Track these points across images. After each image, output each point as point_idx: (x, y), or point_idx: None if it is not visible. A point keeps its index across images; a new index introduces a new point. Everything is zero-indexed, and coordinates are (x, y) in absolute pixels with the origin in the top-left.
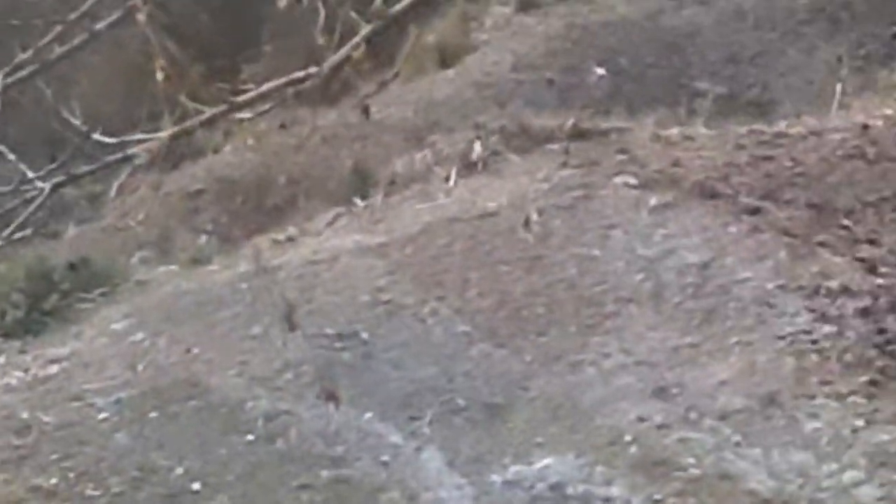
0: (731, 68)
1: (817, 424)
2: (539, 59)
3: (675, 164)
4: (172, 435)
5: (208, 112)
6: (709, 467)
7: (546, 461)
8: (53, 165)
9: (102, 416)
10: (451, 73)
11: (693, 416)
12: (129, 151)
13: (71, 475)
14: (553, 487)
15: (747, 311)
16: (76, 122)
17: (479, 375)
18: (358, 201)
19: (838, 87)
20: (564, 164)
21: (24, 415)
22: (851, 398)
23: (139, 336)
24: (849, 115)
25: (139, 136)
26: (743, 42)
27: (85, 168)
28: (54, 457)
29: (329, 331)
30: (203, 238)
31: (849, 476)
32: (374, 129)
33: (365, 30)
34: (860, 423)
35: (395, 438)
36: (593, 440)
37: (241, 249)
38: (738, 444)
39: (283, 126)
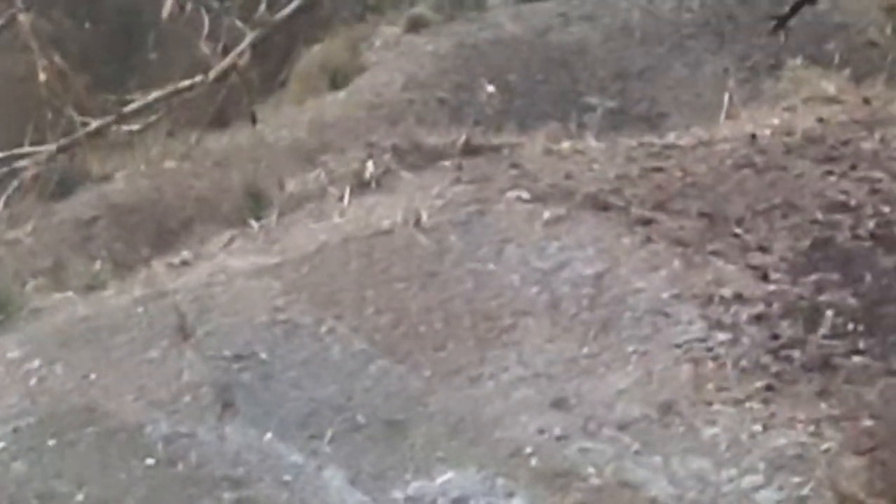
0: (620, 83)
1: (715, 430)
2: (430, 78)
3: (568, 177)
4: (71, 461)
5: (95, 123)
6: (609, 476)
7: (447, 476)
8: None
9: (0, 445)
10: (341, 93)
11: (592, 426)
12: (16, 165)
13: None
14: (455, 502)
15: (643, 320)
16: None
17: (378, 392)
18: (252, 223)
19: (726, 97)
20: (457, 180)
21: None
22: (748, 403)
23: (35, 363)
24: (737, 125)
25: (26, 149)
26: (630, 57)
27: None
28: None
29: (227, 352)
30: (97, 264)
31: (748, 481)
32: (266, 151)
33: (250, 36)
34: (757, 427)
35: (296, 458)
36: (494, 453)
37: (136, 274)
38: (637, 452)
39: (169, 134)
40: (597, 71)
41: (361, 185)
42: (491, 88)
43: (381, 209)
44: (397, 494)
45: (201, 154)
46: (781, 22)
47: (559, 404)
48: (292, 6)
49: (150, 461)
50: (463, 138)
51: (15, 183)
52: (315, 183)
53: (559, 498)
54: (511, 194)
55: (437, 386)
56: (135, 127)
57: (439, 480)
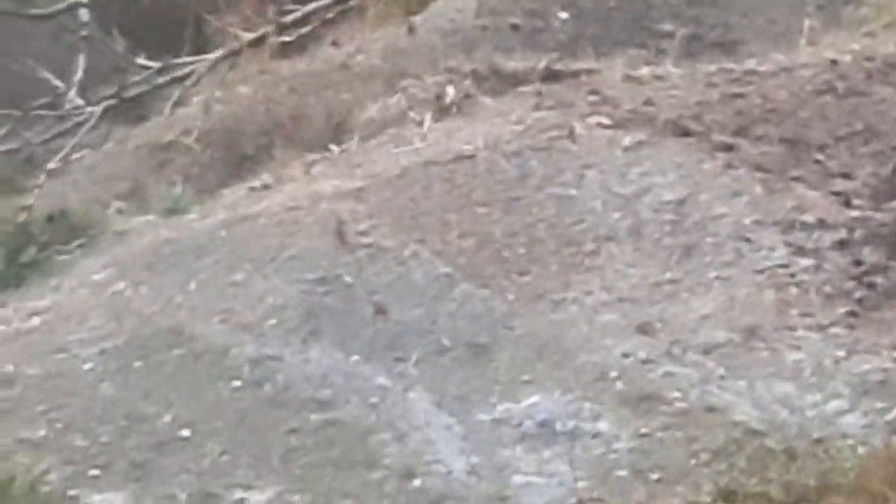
0: (695, 9)
1: (799, 356)
2: (502, 5)
3: (647, 103)
4: (158, 383)
5: (254, 34)
6: (694, 401)
7: (533, 398)
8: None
9: (87, 366)
10: (416, 20)
11: (676, 350)
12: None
13: (58, 426)
14: (541, 424)
15: (725, 246)
16: (118, 47)
17: (462, 316)
18: (334, 148)
19: (806, 23)
20: (537, 106)
21: (9, 368)
22: (832, 329)
23: (120, 286)
24: (816, 51)
25: (186, 59)
26: None
27: (135, 90)
28: (41, 408)
29: (311, 276)
30: (178, 188)
31: (833, 406)
32: (343, 76)
33: None
34: (841, 353)
35: (382, 380)
36: (579, 377)
37: (217, 199)
38: (721, 377)
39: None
40: None
41: (441, 111)
42: (564, 15)
43: (461, 134)
44: (483, 416)
45: (275, 79)
46: None
47: (643, 329)
48: None
49: (236, 383)
50: (542, 64)
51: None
52: (395, 108)
53: (645, 421)
54: (591, 120)
55: (521, 310)
56: (289, 38)
57: (525, 403)
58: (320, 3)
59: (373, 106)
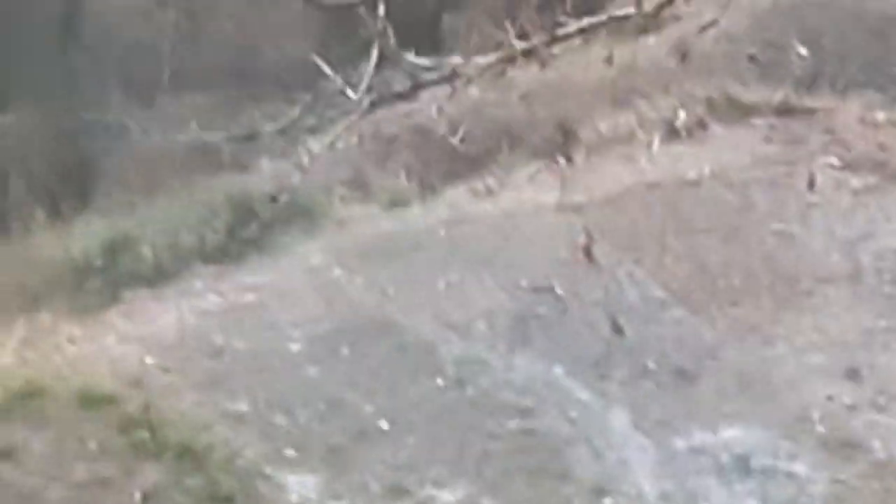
0: None
1: None
2: (741, 33)
3: (881, 148)
4: (363, 372)
5: (528, 43)
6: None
7: (732, 431)
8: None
9: (295, 347)
10: (651, 38)
11: (882, 399)
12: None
13: (260, 403)
14: (737, 458)
15: None
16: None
17: (671, 340)
18: (560, 158)
19: None
20: (769, 139)
21: (219, 340)
22: None
23: (336, 273)
24: None
25: (454, 58)
26: None
27: (399, 88)
28: (245, 384)
29: (525, 283)
30: (402, 180)
31: None
32: (574, 89)
33: None
34: None
35: (583, 395)
36: (781, 415)
37: (439, 196)
38: None
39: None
40: None
41: (671, 133)
42: (803, 50)
43: (688, 159)
44: (680, 443)
45: (509, 85)
46: None
47: (851, 374)
48: None
49: (439, 381)
50: (778, 98)
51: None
52: (624, 126)
53: (842, 467)
54: (822, 159)
55: (729, 341)
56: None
57: (723, 435)
58: (596, 19)
59: (602, 121)
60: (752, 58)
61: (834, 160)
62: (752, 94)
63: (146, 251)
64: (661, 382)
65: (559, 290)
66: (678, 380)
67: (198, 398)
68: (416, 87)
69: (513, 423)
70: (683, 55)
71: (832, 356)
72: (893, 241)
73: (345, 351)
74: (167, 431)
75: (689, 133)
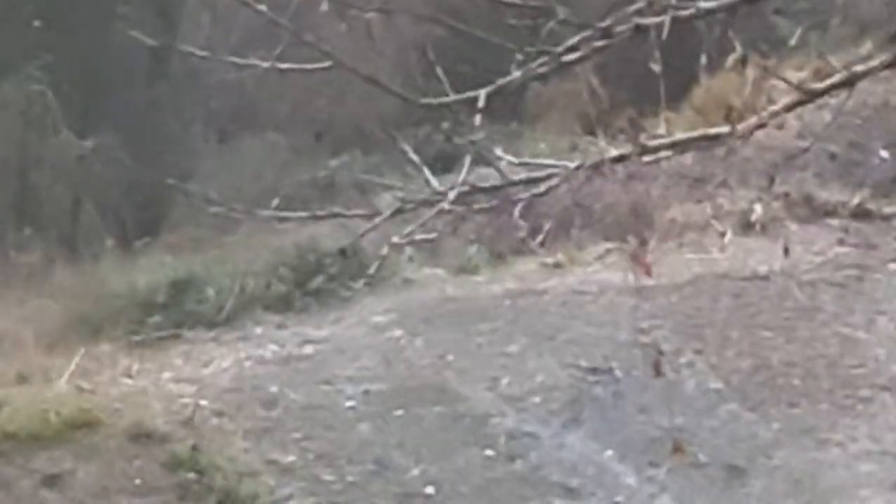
0: None
1: None
2: (825, 131)
3: None
4: (414, 435)
5: (616, 152)
6: None
7: None
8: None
9: (349, 403)
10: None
11: None
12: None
13: (309, 456)
14: None
15: None
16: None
17: (724, 434)
18: (631, 240)
19: None
20: (842, 241)
21: (273, 389)
22: None
23: (397, 333)
24: None
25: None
26: None
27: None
28: (296, 435)
29: (584, 363)
30: (473, 248)
31: None
32: (656, 171)
33: (785, 100)
34: None
35: (632, 480)
36: None
37: (509, 265)
38: None
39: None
40: None
41: (745, 226)
42: (885, 153)
43: (760, 254)
44: None
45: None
46: None
47: None
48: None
49: (489, 452)
50: (856, 200)
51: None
52: (700, 214)
53: None
54: (893, 266)
55: (784, 440)
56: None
57: None
58: (689, 136)
59: (678, 208)
60: (833, 157)
61: None
62: (829, 194)
63: (211, 293)
64: (711, 476)
65: (617, 373)
66: (728, 475)
67: (247, 445)
68: (507, 185)
69: (558, 502)
70: (761, 148)
71: (885, 466)
72: None
73: (398, 412)
74: (213, 475)
75: (764, 228)
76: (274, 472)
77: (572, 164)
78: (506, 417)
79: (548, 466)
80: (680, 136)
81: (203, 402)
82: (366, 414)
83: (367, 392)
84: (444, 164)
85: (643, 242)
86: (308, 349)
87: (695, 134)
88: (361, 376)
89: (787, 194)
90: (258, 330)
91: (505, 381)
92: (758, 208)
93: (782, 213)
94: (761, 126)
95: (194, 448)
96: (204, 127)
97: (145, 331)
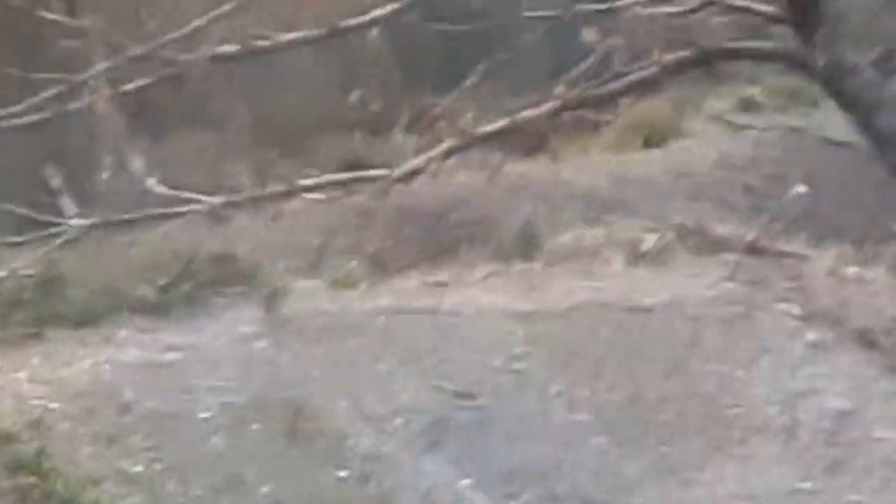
0: None
1: None
2: (744, 162)
3: (843, 303)
4: (268, 451)
5: (445, 145)
6: None
7: None
8: None
9: (204, 414)
10: (651, 153)
11: None
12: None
13: (158, 466)
14: None
15: (875, 472)
16: None
17: (588, 468)
18: (519, 263)
19: None
20: (732, 277)
21: (129, 395)
22: None
23: (263, 344)
24: None
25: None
26: None
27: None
28: (146, 444)
29: (451, 386)
30: (353, 262)
31: None
32: (559, 191)
33: (445, 145)
34: None
35: None
36: None
37: (390, 281)
38: None
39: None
40: None
41: (637, 256)
42: (802, 189)
43: (648, 285)
44: None
45: (492, 176)
46: None
47: None
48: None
49: (342, 473)
50: (751, 236)
51: None
52: (592, 240)
53: None
54: (781, 306)
55: (648, 479)
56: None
57: None
58: (345, 176)
59: (569, 232)
60: (748, 188)
61: (794, 309)
62: (726, 228)
63: (78, 293)
64: None
65: (485, 399)
66: None
67: (95, 451)
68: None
69: None
70: (677, 175)
71: None
72: (836, 402)
73: (254, 426)
74: (55, 481)
75: (654, 258)
76: (119, 480)
77: (215, 199)
78: (363, 438)
79: (402, 491)
80: (335, 176)
81: (54, 405)
82: (220, 426)
83: (224, 403)
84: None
85: (529, 266)
86: (170, 356)
87: (352, 175)
88: (221, 387)
89: (681, 225)
90: (123, 333)
91: (368, 400)
92: (650, 238)
93: (675, 243)
94: (418, 171)
95: (39, 452)
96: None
97: (7, 328)
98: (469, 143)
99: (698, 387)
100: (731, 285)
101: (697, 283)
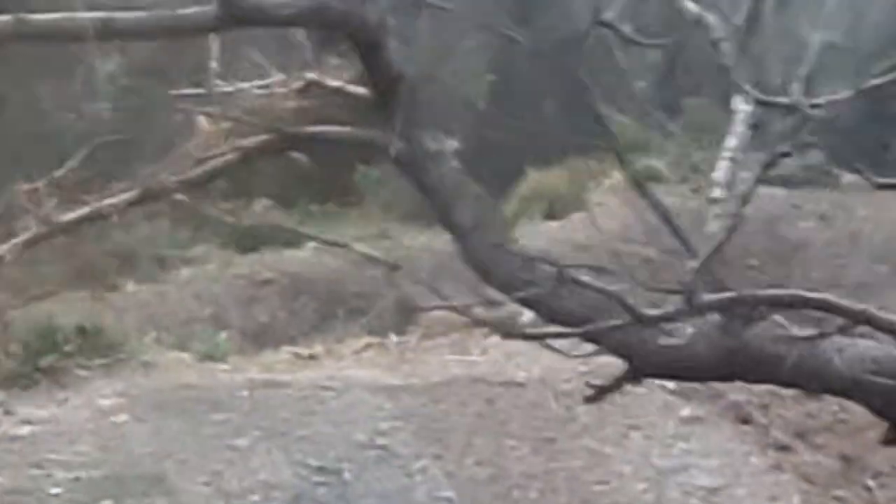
0: (834, 291)
1: None
2: (645, 235)
3: None
4: None
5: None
6: None
7: None
8: None
9: (55, 490)
10: (553, 224)
11: None
12: None
13: None
14: None
15: None
16: None
17: None
18: (393, 337)
19: None
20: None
21: None
22: None
23: (122, 418)
24: None
25: None
26: (849, 267)
27: None
28: None
29: (313, 461)
30: (223, 336)
31: None
32: (448, 262)
33: (26, 234)
34: None
35: None
36: None
37: (260, 354)
38: None
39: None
40: (811, 272)
41: (511, 330)
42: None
43: (522, 359)
44: None
45: (398, 246)
46: None
47: None
48: None
49: None
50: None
51: None
52: (469, 314)
53: None
54: (656, 381)
55: None
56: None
57: None
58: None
59: (449, 305)
60: (648, 262)
61: (668, 384)
62: None
63: None
64: None
65: (346, 475)
66: None
67: None
68: None
69: None
70: (574, 248)
71: None
72: (705, 480)
73: (106, 502)
74: None
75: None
76: None
77: None
78: None
79: None
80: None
81: None
82: (71, 502)
83: (77, 479)
84: None
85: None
86: (25, 430)
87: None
88: (75, 462)
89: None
90: None
91: (227, 476)
92: (527, 312)
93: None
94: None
95: None
96: None
97: None
98: (53, 232)
99: (565, 462)
100: (604, 360)
101: (571, 357)
